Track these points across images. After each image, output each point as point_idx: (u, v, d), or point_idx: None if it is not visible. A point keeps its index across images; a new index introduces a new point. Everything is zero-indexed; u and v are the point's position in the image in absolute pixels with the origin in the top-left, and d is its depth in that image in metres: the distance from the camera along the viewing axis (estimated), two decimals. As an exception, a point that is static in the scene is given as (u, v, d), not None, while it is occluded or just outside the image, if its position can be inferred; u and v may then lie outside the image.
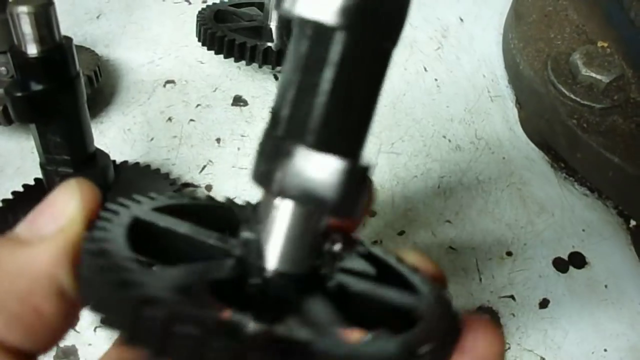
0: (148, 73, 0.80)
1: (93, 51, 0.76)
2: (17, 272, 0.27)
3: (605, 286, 0.67)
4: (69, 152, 0.57)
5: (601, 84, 0.70)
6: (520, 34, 0.78)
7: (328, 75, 0.25)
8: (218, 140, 0.74)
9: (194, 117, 0.75)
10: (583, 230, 0.71)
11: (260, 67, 0.72)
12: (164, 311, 0.23)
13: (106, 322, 0.25)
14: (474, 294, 0.65)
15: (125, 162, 0.68)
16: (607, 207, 0.73)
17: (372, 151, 0.74)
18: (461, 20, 0.91)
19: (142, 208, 0.32)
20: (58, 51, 0.52)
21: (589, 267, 0.68)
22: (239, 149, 0.73)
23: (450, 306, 0.29)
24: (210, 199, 0.36)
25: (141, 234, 0.29)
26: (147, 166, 0.68)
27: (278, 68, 0.79)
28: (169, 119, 0.75)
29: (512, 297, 0.65)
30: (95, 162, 0.59)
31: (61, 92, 0.54)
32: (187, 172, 0.70)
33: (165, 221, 0.31)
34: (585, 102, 0.70)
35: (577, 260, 0.69)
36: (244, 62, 0.80)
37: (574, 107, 0.71)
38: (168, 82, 0.79)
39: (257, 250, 0.29)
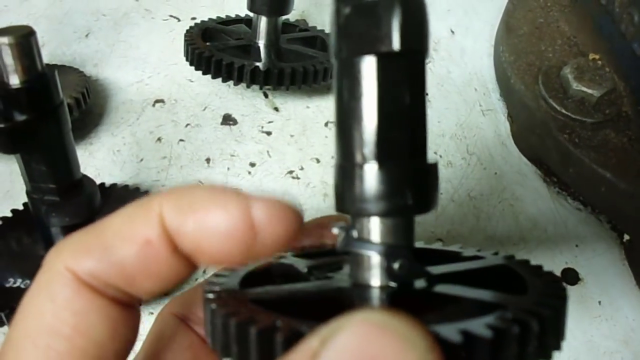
0: (137, 92, 0.79)
1: (81, 72, 0.75)
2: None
3: (599, 303, 0.66)
4: (54, 181, 0.56)
5: (592, 98, 0.70)
6: (511, 47, 0.78)
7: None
8: (208, 160, 0.73)
9: (184, 137, 0.75)
10: (576, 245, 0.71)
11: (248, 87, 0.71)
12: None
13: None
14: (467, 314, 0.64)
15: (115, 184, 0.67)
16: (601, 222, 0.73)
17: (363, 169, 0.74)
18: (452, 32, 0.90)
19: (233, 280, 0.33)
20: (40, 81, 0.52)
21: (582, 283, 0.68)
22: (228, 169, 0.72)
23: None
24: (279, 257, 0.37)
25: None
26: (137, 188, 0.68)
27: (267, 86, 0.79)
28: (159, 139, 0.74)
29: (505, 316, 0.65)
30: (82, 190, 0.59)
31: (44, 121, 0.53)
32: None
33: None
34: (577, 117, 0.70)
35: (571, 276, 0.69)
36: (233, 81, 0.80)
37: (566, 122, 0.70)
38: (157, 101, 0.78)
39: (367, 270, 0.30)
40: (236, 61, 0.70)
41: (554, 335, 0.28)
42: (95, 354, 0.27)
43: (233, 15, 0.83)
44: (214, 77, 0.71)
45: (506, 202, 0.73)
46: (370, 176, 0.29)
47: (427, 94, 0.82)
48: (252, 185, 0.71)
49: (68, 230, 0.59)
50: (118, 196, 0.67)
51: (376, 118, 0.29)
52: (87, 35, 0.85)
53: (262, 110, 0.79)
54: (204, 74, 0.72)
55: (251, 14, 0.76)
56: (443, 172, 0.75)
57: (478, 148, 0.78)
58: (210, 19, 0.81)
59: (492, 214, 0.72)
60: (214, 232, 0.27)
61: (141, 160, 0.73)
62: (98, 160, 0.72)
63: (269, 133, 0.77)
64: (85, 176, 0.60)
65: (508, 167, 0.77)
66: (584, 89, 0.70)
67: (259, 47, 0.75)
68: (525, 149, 0.77)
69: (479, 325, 0.24)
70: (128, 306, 0.29)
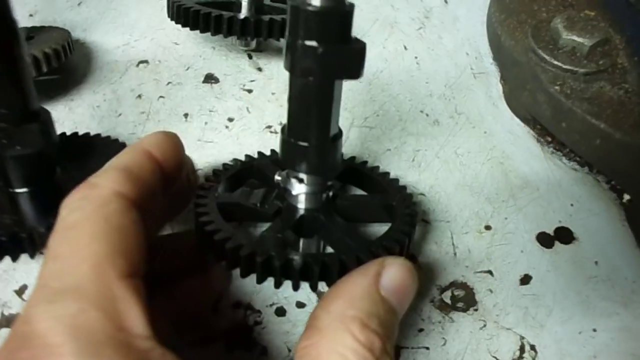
0: (122, 54, 0.73)
1: (65, 30, 0.69)
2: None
3: (596, 263, 0.57)
4: (7, 106, 0.50)
5: (584, 48, 0.61)
6: (502, 7, 0.70)
7: None
8: (186, 115, 0.66)
9: (164, 94, 0.68)
10: (571, 205, 0.61)
11: (225, 36, 0.64)
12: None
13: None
14: (447, 269, 0.55)
15: (98, 135, 0.61)
16: (599, 182, 0.63)
17: (344, 125, 0.66)
18: (445, 2, 0.83)
19: (220, 191, 0.52)
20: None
21: (577, 242, 0.58)
22: (206, 123, 0.65)
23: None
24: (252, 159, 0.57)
25: (225, 209, 0.48)
26: (116, 139, 0.61)
27: (253, 45, 0.72)
28: (139, 96, 0.68)
29: (489, 272, 0.55)
30: (36, 120, 0.52)
31: None
32: (151, 146, 0.63)
33: (231, 198, 0.52)
34: (568, 67, 0.61)
35: (564, 235, 0.59)
36: (218, 43, 0.73)
37: (556, 73, 0.61)
38: (141, 62, 0.71)
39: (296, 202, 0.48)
40: (214, 11, 0.63)
41: None
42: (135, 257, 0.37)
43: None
44: (192, 29, 0.64)
45: (495, 160, 0.64)
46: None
47: (415, 57, 0.74)
48: (229, 139, 0.63)
49: (20, 160, 0.52)
50: (101, 144, 0.60)
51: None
52: (79, 4, 0.79)
53: (245, 70, 0.71)
54: (183, 26, 0.65)
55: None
56: (429, 130, 0.66)
57: (467, 108, 0.69)
58: (200, -15, 0.76)
59: (480, 171, 0.63)
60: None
61: (119, 115, 0.66)
62: (77, 115, 0.66)
63: (250, 91, 0.69)
64: (42, 108, 0.53)
65: (499, 126, 0.68)
66: (575, 37, 0.61)
67: (241, 3, 0.68)
68: (517, 109, 0.68)
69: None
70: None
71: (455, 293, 0.54)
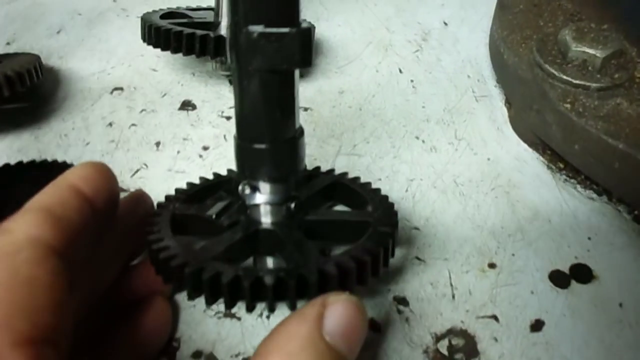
0: (97, 81, 0.66)
1: (35, 55, 0.64)
2: None
3: (620, 305, 0.47)
4: None
5: (596, 60, 0.53)
6: (504, 23, 0.62)
7: None
8: (157, 144, 0.59)
9: (136, 122, 0.61)
10: (589, 238, 0.52)
11: (198, 56, 0.57)
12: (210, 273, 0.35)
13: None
14: (444, 313, 0.46)
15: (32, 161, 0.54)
16: (620, 212, 0.54)
17: (330, 153, 0.58)
18: (445, 24, 0.75)
19: (175, 204, 0.45)
20: None
21: (597, 281, 0.49)
22: (178, 152, 0.58)
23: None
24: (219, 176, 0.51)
25: (179, 221, 0.44)
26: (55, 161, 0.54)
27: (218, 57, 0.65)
28: (110, 124, 0.61)
29: (494, 317, 0.46)
30: None
31: None
32: (118, 175, 0.55)
33: (188, 209, 0.45)
34: (579, 82, 0.52)
35: (582, 273, 0.50)
36: (199, 69, 0.66)
37: (566, 89, 0.53)
38: (116, 89, 0.65)
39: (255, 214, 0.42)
40: (186, 30, 0.57)
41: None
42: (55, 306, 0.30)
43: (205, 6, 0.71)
44: (163, 49, 0.57)
45: (500, 189, 0.56)
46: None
47: (411, 81, 0.67)
48: (202, 169, 0.56)
49: None
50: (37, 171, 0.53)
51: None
52: (58, 32, 0.74)
53: (224, 96, 0.64)
54: (154, 47, 0.58)
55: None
56: (425, 158, 0.58)
57: (468, 133, 0.61)
58: (178, 6, 0.70)
59: (483, 202, 0.54)
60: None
61: (87, 143, 0.59)
62: (43, 144, 0.59)
63: (228, 118, 0.62)
64: None
65: (504, 152, 0.59)
66: (586, 49, 0.53)
67: (219, 24, 0.61)
68: (524, 133, 0.60)
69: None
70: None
71: (454, 342, 0.45)
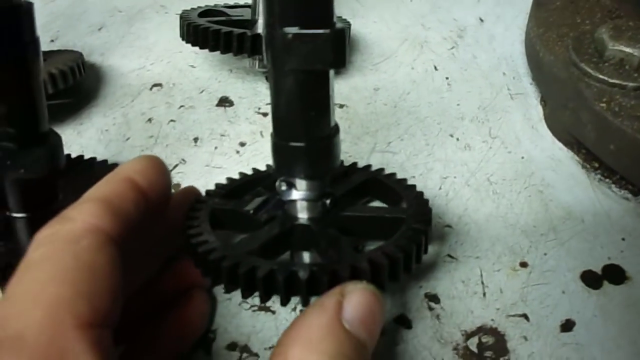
0: (137, 78, 0.68)
1: (77, 52, 0.66)
2: None
3: (653, 307, 0.48)
4: (14, 125, 0.45)
5: (634, 59, 0.53)
6: (540, 21, 0.62)
7: None
8: (195, 139, 0.61)
9: (175, 117, 0.63)
10: (622, 239, 0.52)
11: (235, 54, 0.59)
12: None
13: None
14: (475, 311, 0.47)
15: (93, 158, 0.56)
16: (654, 214, 0.54)
17: (365, 150, 0.59)
18: (481, 20, 0.75)
19: (215, 199, 0.47)
20: (11, 11, 0.42)
21: (630, 282, 0.49)
22: (216, 148, 0.59)
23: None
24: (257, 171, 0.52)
25: (218, 216, 0.45)
26: (114, 164, 0.56)
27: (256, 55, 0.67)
28: (149, 119, 0.63)
29: (524, 316, 0.47)
30: (44, 143, 0.47)
31: (10, 58, 0.43)
32: (156, 171, 0.58)
33: (227, 204, 0.47)
34: (615, 81, 0.52)
35: (614, 274, 0.50)
36: (236, 65, 0.68)
37: (602, 89, 0.53)
38: (155, 85, 0.67)
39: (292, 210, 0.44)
40: (224, 28, 0.58)
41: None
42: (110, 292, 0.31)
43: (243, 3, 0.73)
44: (201, 47, 0.59)
45: (534, 188, 0.56)
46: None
47: (447, 78, 0.67)
48: (239, 164, 0.57)
49: (22, 184, 0.47)
50: (105, 170, 0.55)
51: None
52: (99, 29, 0.76)
53: (261, 92, 0.66)
54: (192, 45, 0.60)
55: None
56: (459, 155, 0.59)
57: (503, 131, 0.61)
58: (216, 4, 0.71)
59: (516, 201, 0.55)
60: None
61: (127, 139, 0.61)
62: (84, 139, 0.61)
63: (265, 114, 0.63)
64: (52, 130, 0.49)
65: (538, 151, 0.59)
66: (623, 48, 0.53)
67: (256, 21, 0.63)
68: (559, 132, 0.60)
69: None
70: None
71: (484, 340, 0.46)
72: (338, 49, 0.36)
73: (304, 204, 0.43)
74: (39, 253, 0.31)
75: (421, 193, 0.49)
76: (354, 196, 0.51)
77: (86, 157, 0.56)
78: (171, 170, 0.57)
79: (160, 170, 0.39)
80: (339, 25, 0.37)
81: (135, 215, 0.36)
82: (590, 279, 0.50)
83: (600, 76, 0.53)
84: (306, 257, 0.45)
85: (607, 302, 0.48)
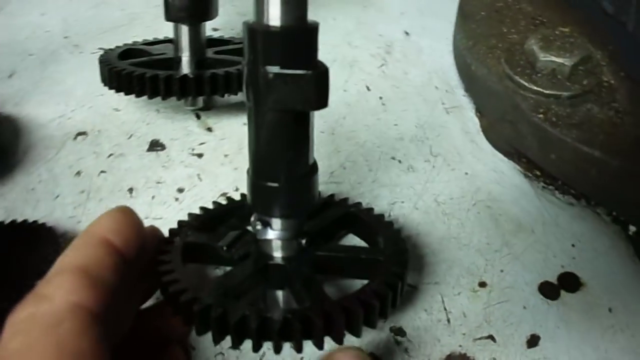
0: (58, 127, 0.65)
1: (-10, 109, 0.62)
2: None
3: (610, 310, 0.49)
4: None
5: (565, 69, 0.54)
6: (468, 33, 0.63)
7: None
8: (130, 190, 0.58)
9: (105, 168, 0.60)
10: (573, 245, 0.53)
11: (164, 99, 0.57)
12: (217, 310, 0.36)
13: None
14: (442, 339, 0.47)
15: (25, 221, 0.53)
16: (599, 215, 0.56)
17: (309, 182, 0.58)
18: (407, 34, 0.76)
19: (188, 232, 0.46)
20: None
21: (585, 288, 0.50)
22: (153, 197, 0.57)
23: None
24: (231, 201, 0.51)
25: (191, 250, 0.44)
26: (42, 225, 0.53)
27: (200, 103, 0.65)
28: (78, 173, 0.60)
29: (491, 337, 0.47)
30: None
31: None
32: (93, 229, 0.55)
33: (199, 237, 0.45)
34: (550, 92, 0.54)
35: (570, 282, 0.51)
36: (163, 105, 0.65)
37: (538, 100, 0.54)
38: (79, 134, 0.64)
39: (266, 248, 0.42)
40: (148, 72, 0.56)
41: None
42: None
43: (163, 38, 0.70)
44: (126, 93, 0.57)
45: (482, 204, 0.57)
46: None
47: (380, 98, 0.67)
48: (180, 213, 0.55)
49: None
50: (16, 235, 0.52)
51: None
52: (10, 76, 0.72)
53: (193, 132, 0.64)
54: (117, 91, 0.58)
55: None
56: (403, 178, 0.59)
57: (443, 148, 0.62)
58: (134, 42, 0.68)
59: (466, 220, 0.55)
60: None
61: (57, 196, 0.58)
62: (9, 201, 0.57)
63: (200, 155, 0.61)
64: None
65: (481, 165, 0.60)
66: (554, 58, 0.54)
67: (180, 59, 0.61)
68: (498, 143, 0.61)
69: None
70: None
71: (454, 368, 0.46)
72: (321, 90, 0.36)
73: (279, 242, 0.42)
74: (17, 343, 0.28)
75: (398, 231, 0.49)
76: (331, 230, 0.50)
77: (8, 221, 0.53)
78: (109, 227, 0.55)
79: (133, 223, 0.36)
80: (321, 66, 0.36)
81: (116, 282, 0.32)
82: (548, 290, 0.51)
83: (535, 88, 0.54)
84: (280, 296, 0.44)
85: (567, 311, 0.49)
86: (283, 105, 0.36)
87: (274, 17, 0.34)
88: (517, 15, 0.64)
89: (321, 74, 0.36)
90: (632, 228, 0.54)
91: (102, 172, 0.60)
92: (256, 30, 0.34)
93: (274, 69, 0.34)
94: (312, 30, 0.35)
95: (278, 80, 0.35)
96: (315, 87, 0.36)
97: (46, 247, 0.51)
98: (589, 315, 0.49)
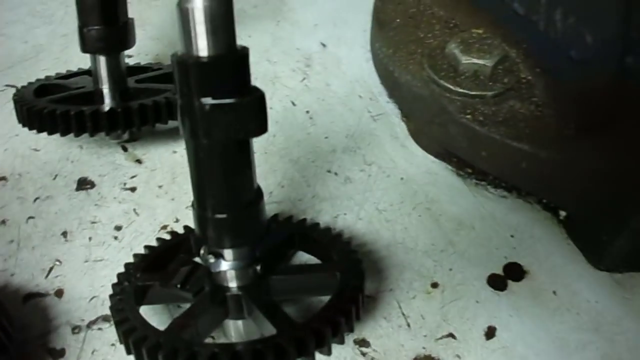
0: (-28, 176, 0.62)
1: None
2: None
3: (554, 293, 0.52)
4: None
5: (486, 69, 0.57)
6: (387, 41, 0.65)
7: None
8: (64, 234, 0.56)
9: (33, 213, 0.57)
10: (511, 236, 0.56)
11: (91, 135, 0.55)
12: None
13: None
14: (405, 344, 0.48)
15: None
16: (531, 204, 0.59)
17: (251, 204, 0.58)
18: (323, 45, 0.77)
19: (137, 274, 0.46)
20: None
21: (529, 276, 0.53)
22: (90, 239, 0.55)
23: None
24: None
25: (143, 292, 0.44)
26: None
27: (126, 135, 0.63)
28: (3, 222, 0.56)
29: (451, 335, 0.49)
30: None
31: None
32: (30, 279, 0.52)
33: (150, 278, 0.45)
34: (475, 93, 0.56)
35: (514, 271, 0.54)
36: (85, 139, 0.63)
37: (464, 101, 0.57)
38: (-2, 180, 0.61)
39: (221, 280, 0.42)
40: (72, 108, 0.54)
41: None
42: None
43: (76, 70, 0.68)
44: (50, 133, 0.54)
45: (421, 206, 0.58)
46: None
47: (307, 112, 0.67)
48: (121, 252, 0.54)
49: None
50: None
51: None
52: None
53: (122, 165, 0.62)
54: (38, 131, 0.55)
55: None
56: (342, 190, 0.60)
57: (376, 156, 0.63)
58: (47, 76, 0.66)
59: (409, 224, 0.57)
60: None
61: (-18, 250, 0.55)
62: None
63: (133, 189, 0.60)
64: None
65: (414, 168, 0.62)
66: (475, 60, 0.57)
67: (102, 92, 0.59)
68: (428, 146, 0.63)
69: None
70: None
71: (422, 370, 0.47)
72: (260, 116, 0.36)
73: (234, 272, 0.42)
74: None
75: (348, 243, 0.50)
76: (282, 250, 0.51)
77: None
78: (47, 276, 0.52)
79: None
80: (256, 90, 0.36)
81: None
82: (496, 282, 0.53)
83: (461, 90, 0.56)
84: (241, 327, 0.44)
85: (516, 299, 0.51)
86: (223, 135, 0.35)
87: (203, 47, 0.33)
88: (430, 19, 0.67)
89: (258, 99, 0.36)
90: (563, 213, 0.57)
91: (30, 218, 0.57)
92: (186, 63, 0.34)
93: (209, 100, 0.34)
94: (243, 57, 0.35)
95: (215, 111, 0.34)
96: (255, 114, 0.36)
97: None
98: (536, 300, 0.51)
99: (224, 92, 0.34)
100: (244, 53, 0.35)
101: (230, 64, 0.34)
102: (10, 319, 0.45)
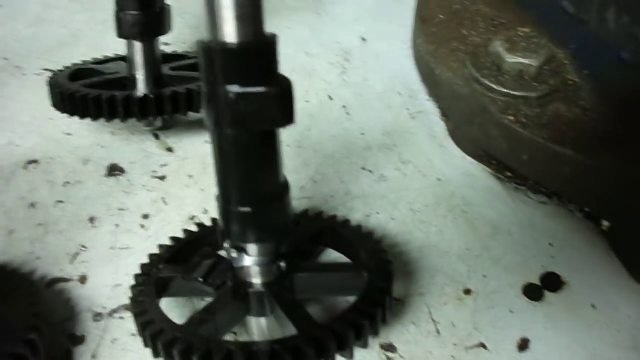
0: (6, 156, 0.61)
1: None
2: None
3: (593, 306, 0.49)
4: None
5: (532, 69, 0.55)
6: (429, 37, 0.63)
7: None
8: (92, 219, 0.55)
9: (62, 197, 0.57)
10: (550, 244, 0.54)
11: (123, 121, 0.54)
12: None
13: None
14: (434, 352, 0.46)
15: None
16: (572, 212, 0.56)
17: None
18: (363, 40, 0.76)
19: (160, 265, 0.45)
20: None
21: (567, 287, 0.51)
22: (117, 225, 0.54)
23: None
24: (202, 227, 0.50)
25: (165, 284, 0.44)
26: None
27: (159, 123, 0.62)
28: (32, 205, 0.56)
29: (482, 345, 0.47)
30: None
31: None
32: (55, 264, 0.51)
33: (173, 271, 0.44)
34: (519, 93, 0.54)
35: (552, 282, 0.52)
36: (118, 126, 0.63)
37: (507, 102, 0.54)
38: (30, 162, 0.60)
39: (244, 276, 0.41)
40: (104, 93, 0.53)
41: None
42: None
43: (113, 56, 0.67)
44: (82, 117, 0.54)
45: (457, 209, 0.57)
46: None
47: (344, 107, 0.65)
48: (148, 241, 0.53)
49: None
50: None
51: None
52: (-54, 107, 0.68)
53: (153, 154, 0.61)
54: (71, 115, 0.55)
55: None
56: (376, 189, 0.58)
57: (413, 155, 0.61)
58: (84, 61, 0.65)
59: (444, 226, 0.55)
60: None
61: (11, 232, 0.54)
62: (-41, 243, 0.54)
63: (163, 178, 0.59)
64: None
65: (452, 170, 0.60)
66: (520, 60, 0.55)
67: (135, 78, 0.58)
68: (467, 146, 0.61)
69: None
70: None
71: (450, 380, 0.45)
72: (286, 107, 0.34)
73: (257, 269, 0.41)
74: None
75: (379, 243, 0.48)
76: (309, 247, 0.50)
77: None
78: (73, 261, 0.52)
79: None
80: (284, 80, 0.34)
81: None
82: (532, 292, 0.51)
83: (504, 90, 0.54)
84: (263, 324, 0.43)
85: (553, 311, 0.49)
86: (248, 125, 0.34)
87: (230, 34, 0.32)
88: (475, 17, 0.64)
89: (285, 89, 0.34)
90: (606, 223, 0.55)
91: (59, 202, 0.57)
92: (212, 49, 0.32)
93: (235, 88, 0.33)
94: (271, 44, 0.34)
95: (240, 100, 0.33)
96: (281, 104, 0.34)
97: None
98: (574, 314, 0.49)
99: (251, 80, 0.33)
100: (272, 41, 0.33)
101: (257, 51, 0.33)
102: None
